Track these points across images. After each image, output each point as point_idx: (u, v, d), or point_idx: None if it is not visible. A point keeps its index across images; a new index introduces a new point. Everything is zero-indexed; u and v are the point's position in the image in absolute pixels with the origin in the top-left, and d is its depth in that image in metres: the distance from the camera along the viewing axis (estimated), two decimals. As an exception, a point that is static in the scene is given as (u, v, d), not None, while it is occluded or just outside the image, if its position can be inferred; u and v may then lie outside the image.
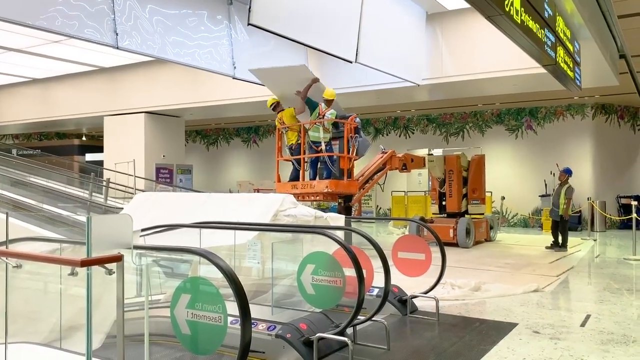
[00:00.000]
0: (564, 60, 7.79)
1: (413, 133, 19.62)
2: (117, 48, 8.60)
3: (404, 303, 5.55)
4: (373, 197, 18.54)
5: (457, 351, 4.38)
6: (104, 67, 16.20)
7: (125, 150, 15.99)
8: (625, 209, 15.95)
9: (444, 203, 12.81)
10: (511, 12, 5.36)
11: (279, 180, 10.40)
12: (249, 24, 6.65)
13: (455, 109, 18.30)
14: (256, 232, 5.21)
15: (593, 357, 4.22)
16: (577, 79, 8.91)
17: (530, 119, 17.51)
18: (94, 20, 8.11)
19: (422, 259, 5.71)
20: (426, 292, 5.73)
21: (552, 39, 6.98)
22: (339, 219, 6.21)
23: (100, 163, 17.25)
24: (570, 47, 8.23)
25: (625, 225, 15.59)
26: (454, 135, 18.83)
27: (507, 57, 10.27)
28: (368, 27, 9.02)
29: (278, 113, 10.39)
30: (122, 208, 9.80)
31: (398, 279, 5.72)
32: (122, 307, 2.80)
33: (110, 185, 13.39)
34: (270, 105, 10.59)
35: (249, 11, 6.55)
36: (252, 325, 3.44)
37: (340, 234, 4.80)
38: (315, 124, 9.76)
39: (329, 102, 9.82)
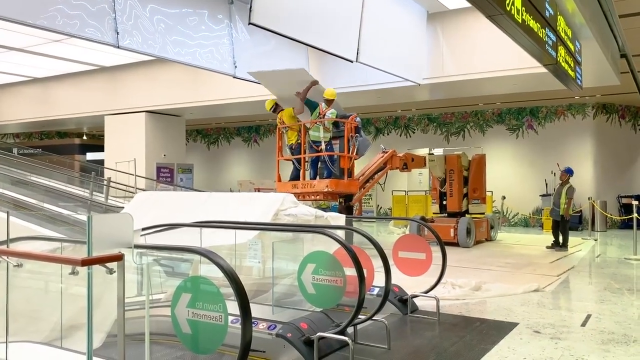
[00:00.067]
0: (565, 59, 7.78)
1: (414, 132, 19.62)
2: (118, 47, 8.60)
3: (404, 302, 5.55)
4: (374, 196, 18.54)
5: (457, 351, 4.38)
6: (105, 66, 16.21)
7: (126, 149, 16.00)
8: (626, 208, 15.93)
9: (444, 203, 12.81)
10: (512, 11, 5.35)
11: (280, 180, 10.41)
12: (249, 23, 6.64)
13: (456, 109, 18.29)
14: (257, 232, 5.21)
15: (594, 357, 4.22)
16: (578, 79, 8.90)
17: (531, 119, 17.51)
18: (95, 19, 8.11)
19: (423, 258, 5.71)
20: (427, 292, 5.73)
21: (553, 38, 6.97)
22: (339, 219, 6.21)
23: (101, 162, 17.26)
24: (571, 47, 8.22)
25: (626, 225, 15.59)
26: (454, 135, 18.83)
27: (508, 57, 10.26)
28: (369, 27, 9.01)
29: (278, 113, 10.41)
30: (123, 207, 9.79)
31: (398, 278, 5.73)
32: (123, 306, 2.80)
33: (111, 184, 13.39)
34: (270, 109, 10.60)
35: (250, 10, 6.54)
36: (253, 325, 3.45)
37: (340, 234, 4.79)
38: (315, 123, 9.77)
39: (329, 102, 9.82)
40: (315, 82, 10.16)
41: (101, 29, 8.20)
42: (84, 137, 24.86)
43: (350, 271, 4.12)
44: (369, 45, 9.11)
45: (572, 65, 8.27)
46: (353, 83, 12.07)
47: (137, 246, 3.20)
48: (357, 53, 8.90)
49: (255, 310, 3.47)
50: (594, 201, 15.01)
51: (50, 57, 14.71)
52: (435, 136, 19.08)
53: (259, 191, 15.99)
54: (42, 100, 18.20)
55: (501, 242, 12.86)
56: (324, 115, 9.71)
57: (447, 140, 18.87)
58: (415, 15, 10.87)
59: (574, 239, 12.29)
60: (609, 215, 15.54)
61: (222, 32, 10.40)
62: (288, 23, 7.31)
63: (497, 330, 4.98)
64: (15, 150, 20.84)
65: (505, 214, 17.63)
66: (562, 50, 7.50)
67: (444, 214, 12.82)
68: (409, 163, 12.06)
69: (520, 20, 5.60)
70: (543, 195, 16.42)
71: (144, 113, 16.00)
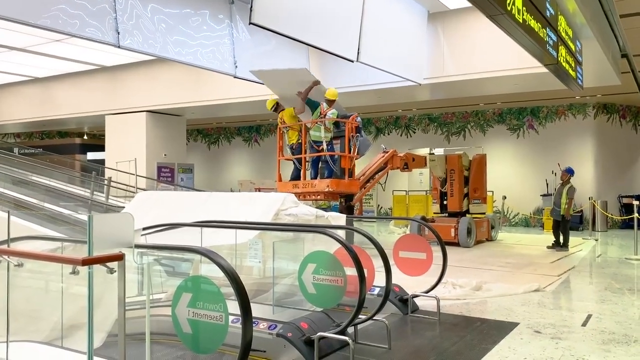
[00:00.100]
0: (566, 59, 7.78)
1: (414, 132, 19.61)
2: (119, 47, 8.61)
3: (405, 302, 5.54)
4: (374, 196, 18.51)
5: (458, 351, 4.38)
6: (106, 66, 16.21)
7: (127, 149, 16.01)
8: (627, 208, 15.93)
9: (445, 202, 12.80)
10: (513, 11, 5.35)
11: (280, 180, 10.41)
12: (250, 23, 6.65)
13: (456, 109, 18.28)
14: (257, 231, 5.21)
15: (594, 357, 4.21)
16: (579, 79, 8.90)
17: (531, 119, 17.50)
18: (96, 19, 8.12)
19: (423, 258, 5.71)
20: (427, 292, 5.72)
21: (554, 38, 6.97)
22: (340, 219, 6.21)
23: (101, 162, 17.27)
24: (572, 47, 8.22)
25: (627, 225, 15.59)
26: (455, 135, 18.82)
27: (509, 57, 10.25)
28: (369, 26, 9.01)
29: (279, 113, 10.41)
30: (124, 207, 9.79)
31: (399, 278, 5.73)
32: (124, 305, 2.80)
33: (112, 184, 13.40)
34: (271, 108, 10.60)
35: (251, 10, 6.54)
36: (253, 324, 3.44)
37: (341, 233, 4.79)
38: (316, 123, 9.77)
39: (331, 102, 9.83)
40: (316, 83, 10.16)
41: (102, 28, 8.20)
42: (85, 137, 24.88)
43: (351, 271, 4.12)
44: (370, 45, 9.11)
45: (572, 65, 8.27)
46: (353, 83, 12.07)
47: (137, 246, 3.20)
48: (358, 53, 8.90)
49: (256, 310, 3.46)
50: (594, 201, 15.00)
51: (51, 56, 14.72)
52: (436, 136, 19.08)
53: (259, 191, 15.99)
54: (42, 100, 18.21)
55: (502, 242, 12.85)
56: (325, 115, 9.71)
57: (448, 140, 18.86)
58: (416, 15, 10.87)
59: (574, 239, 12.28)
60: (609, 215, 15.53)
61: (222, 32, 10.40)
62: (289, 23, 7.31)
63: (498, 330, 4.98)
64: (16, 150, 20.86)
65: (505, 213, 17.62)
66: (562, 50, 7.50)
67: (444, 214, 12.82)
68: (409, 163, 12.06)
69: (521, 20, 5.60)
70: (544, 195, 16.42)
71: (144, 113, 16.00)
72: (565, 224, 11.22)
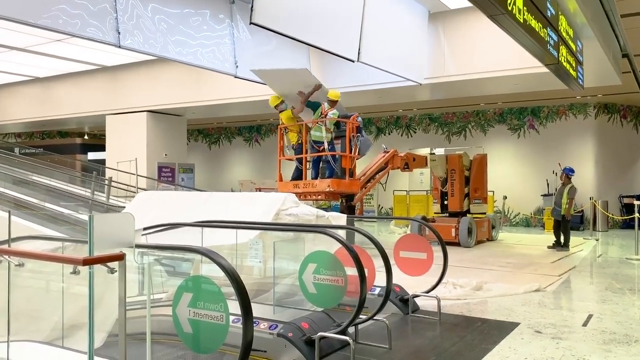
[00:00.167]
0: (567, 59, 7.77)
1: (415, 132, 19.61)
2: (120, 47, 8.60)
3: (405, 302, 5.54)
4: (375, 196, 18.52)
5: (458, 351, 4.38)
6: (106, 65, 16.22)
7: (127, 149, 16.02)
8: (628, 208, 15.92)
9: (445, 202, 12.80)
10: (514, 11, 5.35)
11: (281, 180, 10.41)
12: (251, 23, 6.64)
13: (457, 108, 18.28)
14: (258, 231, 5.21)
15: (595, 357, 4.21)
16: (580, 78, 8.89)
17: (532, 119, 17.49)
18: (97, 19, 8.12)
19: (424, 258, 5.71)
20: (428, 292, 5.72)
21: (555, 38, 6.96)
22: (340, 218, 6.21)
23: (102, 162, 17.27)
24: (573, 46, 8.21)
25: (628, 225, 15.57)
26: (456, 135, 18.81)
27: (509, 57, 10.25)
28: (370, 26, 9.01)
29: (280, 112, 10.41)
30: (124, 207, 9.80)
31: (400, 278, 5.73)
32: (124, 305, 2.80)
33: (112, 184, 13.41)
34: (275, 105, 10.57)
35: (251, 10, 6.54)
36: (254, 324, 3.44)
37: (342, 233, 4.79)
38: (317, 123, 9.77)
39: (333, 103, 9.83)
40: (319, 87, 10.16)
41: (103, 28, 8.20)
42: (85, 137, 24.89)
43: (352, 271, 4.12)
44: (371, 45, 9.11)
45: (573, 65, 8.26)
46: (354, 83, 12.07)
47: (138, 246, 3.20)
48: (359, 53, 8.89)
49: (257, 310, 3.47)
50: (595, 201, 14.99)
51: (52, 56, 14.73)
52: (437, 136, 19.07)
53: (260, 191, 15.99)
54: (43, 100, 18.22)
55: (502, 242, 12.85)
56: (326, 115, 9.71)
57: (449, 140, 18.85)
58: (417, 15, 10.86)
59: (575, 239, 12.27)
60: (610, 215, 15.52)
61: (223, 32, 10.40)
62: (289, 23, 7.31)
63: (498, 330, 4.98)
64: (16, 150, 20.87)
65: (506, 213, 17.61)
66: (563, 50, 7.49)
67: (445, 214, 12.81)
68: (410, 163, 12.06)
69: (521, 20, 5.59)
70: (544, 195, 16.41)
71: (145, 113, 16.01)
72: (566, 224, 11.22)
